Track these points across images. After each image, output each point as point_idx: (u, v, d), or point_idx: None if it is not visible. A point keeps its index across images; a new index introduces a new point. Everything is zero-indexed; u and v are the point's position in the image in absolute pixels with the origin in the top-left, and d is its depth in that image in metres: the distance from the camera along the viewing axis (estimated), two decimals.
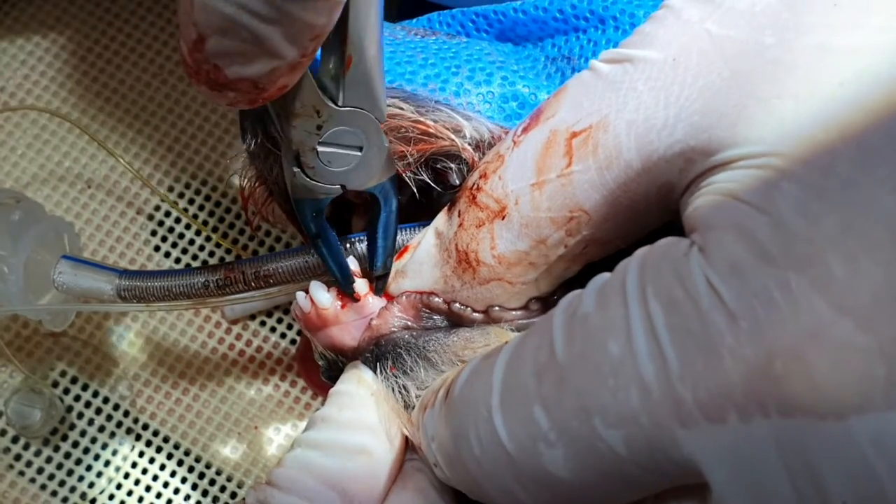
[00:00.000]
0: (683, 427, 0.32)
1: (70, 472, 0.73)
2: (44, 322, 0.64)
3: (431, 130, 0.47)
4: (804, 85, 0.33)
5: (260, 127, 0.49)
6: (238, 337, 0.77)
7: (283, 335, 0.77)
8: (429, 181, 0.48)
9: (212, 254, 0.79)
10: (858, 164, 0.31)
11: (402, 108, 0.47)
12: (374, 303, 0.47)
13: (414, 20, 0.57)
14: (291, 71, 0.36)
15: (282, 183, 0.52)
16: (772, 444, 0.31)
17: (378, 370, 0.45)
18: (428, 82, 0.49)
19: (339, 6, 0.35)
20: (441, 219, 0.45)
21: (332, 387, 0.47)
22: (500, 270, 0.42)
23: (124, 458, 0.74)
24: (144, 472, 0.73)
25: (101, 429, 0.74)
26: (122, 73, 0.83)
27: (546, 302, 0.44)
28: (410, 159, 0.47)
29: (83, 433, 0.74)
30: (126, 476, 0.73)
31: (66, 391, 0.75)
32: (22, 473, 0.73)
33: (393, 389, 0.45)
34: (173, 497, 0.73)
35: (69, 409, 0.74)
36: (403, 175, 0.47)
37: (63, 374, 0.75)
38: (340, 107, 0.42)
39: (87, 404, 0.74)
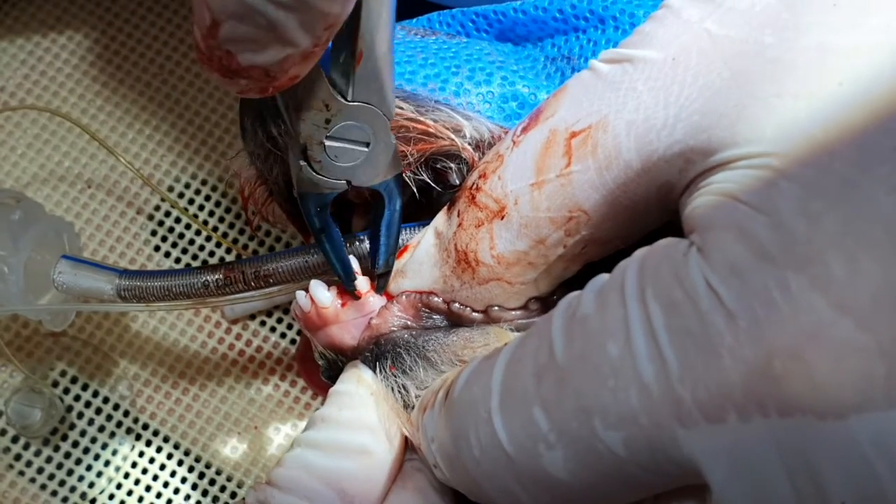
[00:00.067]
0: (683, 427, 0.32)
1: (70, 472, 0.73)
2: (44, 322, 0.64)
3: (431, 130, 0.47)
4: (803, 84, 0.33)
5: (260, 127, 0.49)
6: (238, 337, 0.77)
7: (283, 335, 0.77)
8: (429, 181, 0.48)
9: (212, 254, 0.79)
10: (858, 164, 0.31)
11: (401, 108, 0.47)
12: (374, 302, 0.47)
13: (414, 20, 0.57)
14: (303, 60, 0.36)
15: (282, 183, 0.52)
16: (771, 444, 0.31)
17: (377, 370, 0.45)
18: (428, 82, 0.49)
19: None
20: (440, 219, 0.45)
21: (331, 386, 0.47)
22: (499, 270, 0.42)
23: (124, 458, 0.74)
24: (144, 472, 0.73)
25: (101, 429, 0.74)
26: (122, 72, 0.83)
27: (545, 302, 0.44)
28: (410, 159, 0.47)
29: (83, 433, 0.74)
30: (126, 476, 0.73)
31: (66, 391, 0.75)
32: (22, 473, 0.73)
33: (392, 389, 0.45)
34: (173, 497, 0.73)
35: (69, 408, 0.74)
36: (403, 174, 0.47)
37: (63, 373, 0.75)
38: (349, 101, 0.42)
39: (87, 404, 0.74)
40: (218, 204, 0.80)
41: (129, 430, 0.74)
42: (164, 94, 0.83)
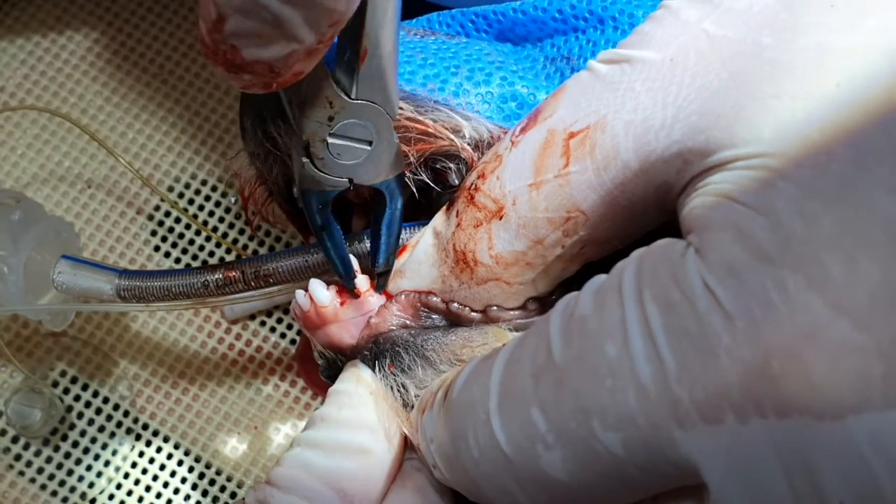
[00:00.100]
0: (681, 428, 0.32)
1: (70, 472, 0.73)
2: (43, 322, 0.64)
3: (431, 130, 0.47)
4: (801, 85, 0.33)
5: (260, 127, 0.49)
6: (238, 337, 0.77)
7: (282, 335, 0.77)
8: (428, 181, 0.48)
9: (212, 254, 0.79)
10: (855, 164, 0.31)
11: (401, 108, 0.47)
12: (373, 301, 0.47)
13: (413, 20, 0.57)
14: (308, 57, 0.36)
15: (281, 183, 0.52)
16: (769, 444, 0.31)
17: (376, 369, 0.46)
18: (427, 82, 0.49)
19: None
20: (439, 219, 0.45)
21: (331, 386, 0.47)
22: (497, 270, 0.42)
23: (124, 458, 0.74)
24: (144, 472, 0.73)
25: (101, 429, 0.74)
26: (122, 72, 0.83)
27: (544, 302, 0.44)
28: (410, 159, 0.47)
29: (83, 433, 0.74)
30: (126, 476, 0.73)
31: (66, 391, 0.75)
32: (22, 473, 0.73)
33: (391, 388, 0.45)
34: (173, 497, 0.73)
35: (69, 408, 0.74)
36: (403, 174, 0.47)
37: (63, 373, 0.75)
38: (353, 99, 0.42)
39: (87, 404, 0.75)
40: (218, 204, 0.80)
41: (129, 430, 0.74)
42: (164, 94, 0.83)
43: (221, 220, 0.80)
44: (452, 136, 0.47)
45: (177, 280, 0.53)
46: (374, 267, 0.47)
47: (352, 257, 0.47)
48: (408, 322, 0.46)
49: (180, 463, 0.74)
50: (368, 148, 0.44)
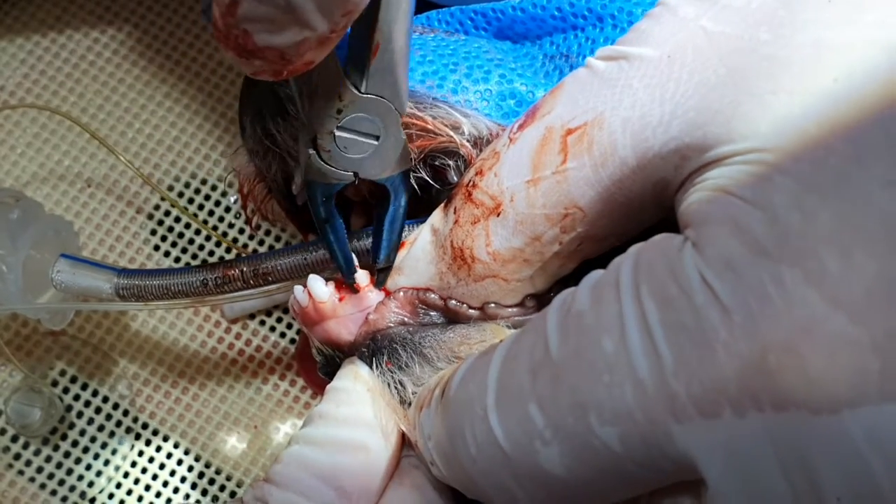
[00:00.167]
0: (678, 422, 0.32)
1: (70, 472, 0.73)
2: (43, 321, 0.64)
3: (430, 127, 0.47)
4: (798, 81, 0.33)
5: (259, 125, 0.49)
6: (238, 336, 0.77)
7: (282, 334, 0.77)
8: (427, 178, 0.48)
9: (212, 253, 0.79)
10: (852, 159, 0.31)
11: None
12: (372, 297, 0.47)
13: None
14: (319, 45, 0.36)
15: (280, 180, 0.52)
16: (766, 438, 0.31)
17: (374, 365, 0.45)
18: (426, 79, 0.49)
19: None
20: (437, 215, 0.45)
21: (329, 383, 0.47)
22: (495, 267, 0.42)
23: (124, 458, 0.74)
24: (144, 471, 0.74)
25: (101, 428, 0.74)
26: (122, 71, 0.83)
27: (542, 299, 0.44)
28: (410, 156, 0.47)
29: (83, 432, 0.74)
30: (126, 475, 0.73)
31: (66, 390, 0.75)
32: (21, 472, 0.73)
33: (389, 385, 0.45)
34: (173, 496, 0.73)
35: (69, 408, 0.74)
36: None
37: (62, 373, 0.75)
38: (363, 93, 0.42)
39: (87, 403, 0.75)
40: (218, 203, 0.80)
41: (128, 430, 0.74)
42: (164, 93, 0.83)
43: (221, 219, 0.80)
44: (451, 133, 0.47)
45: (176, 279, 0.53)
46: (375, 263, 0.47)
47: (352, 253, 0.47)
48: (406, 319, 0.46)
49: (180, 462, 0.74)
50: (375, 143, 0.44)
